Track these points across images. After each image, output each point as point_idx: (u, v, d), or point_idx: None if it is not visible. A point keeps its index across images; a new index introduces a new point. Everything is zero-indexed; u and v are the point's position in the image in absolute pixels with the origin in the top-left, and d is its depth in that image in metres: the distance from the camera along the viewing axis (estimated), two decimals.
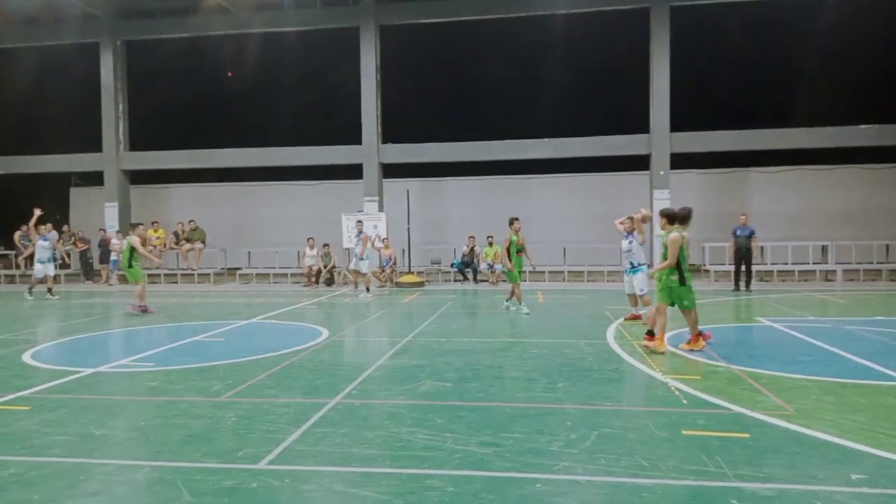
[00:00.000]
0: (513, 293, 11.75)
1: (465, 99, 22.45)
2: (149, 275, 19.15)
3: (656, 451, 4.33)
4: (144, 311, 12.03)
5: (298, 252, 19.01)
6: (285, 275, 19.19)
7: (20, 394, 6.12)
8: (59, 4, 18.87)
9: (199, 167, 21.33)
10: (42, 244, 15.24)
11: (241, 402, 5.74)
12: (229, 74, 24.98)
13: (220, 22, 19.88)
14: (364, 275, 15.29)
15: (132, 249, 12.18)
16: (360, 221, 16.61)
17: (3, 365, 7.61)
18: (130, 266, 12.17)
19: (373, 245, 17.46)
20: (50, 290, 15.25)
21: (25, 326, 10.90)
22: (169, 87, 22.24)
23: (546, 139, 19.42)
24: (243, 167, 21.21)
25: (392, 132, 20.08)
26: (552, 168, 20.88)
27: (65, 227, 20.97)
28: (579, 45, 19.99)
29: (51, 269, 15.56)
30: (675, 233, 7.60)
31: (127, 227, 20.15)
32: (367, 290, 15.03)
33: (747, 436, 4.60)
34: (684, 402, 5.53)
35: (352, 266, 16.01)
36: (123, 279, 18.62)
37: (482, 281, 18.31)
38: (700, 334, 7.77)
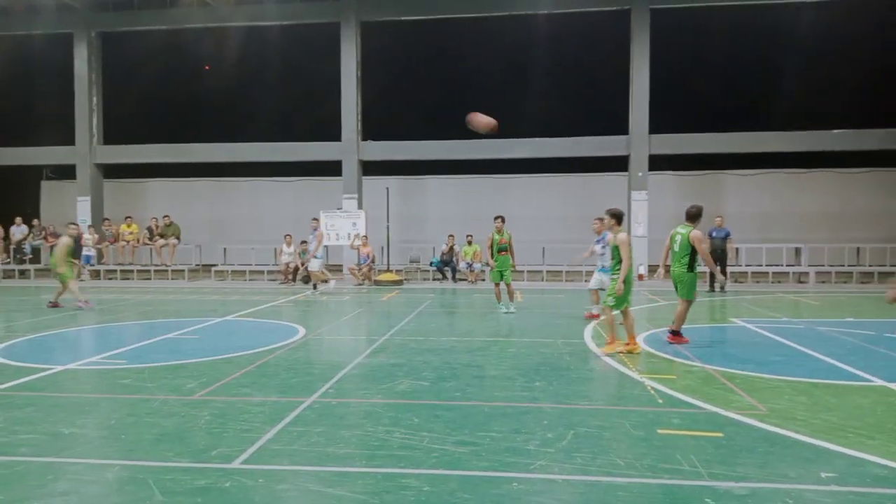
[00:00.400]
0: (510, 294, 11.63)
1: (447, 97, 22.38)
2: (122, 270, 18.88)
3: (632, 449, 4.36)
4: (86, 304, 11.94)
5: (275, 249, 18.84)
6: (262, 272, 18.99)
7: None
8: None
9: (176, 162, 21.02)
10: None
11: (215, 401, 5.65)
12: (206, 68, 24.63)
13: (198, 15, 19.60)
14: (315, 272, 15.44)
15: (67, 248, 12.09)
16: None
17: None
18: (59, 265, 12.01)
19: (351, 244, 17.41)
20: None
21: None
22: (146, 80, 21.83)
23: (527, 139, 19.49)
24: (222, 162, 20.96)
25: (372, 129, 20.00)
26: (533, 168, 20.98)
27: (35, 221, 20.51)
28: (561, 45, 20.09)
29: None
30: (624, 233, 7.79)
31: (100, 221, 19.82)
32: (315, 287, 15.21)
33: (721, 435, 4.66)
34: (660, 401, 5.58)
35: (310, 266, 16.04)
36: (93, 274, 18.30)
37: (461, 280, 18.32)
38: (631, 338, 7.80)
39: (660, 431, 4.74)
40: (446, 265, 18.54)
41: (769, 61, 20.47)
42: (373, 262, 18.03)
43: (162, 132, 20.88)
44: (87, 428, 5.01)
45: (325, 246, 16.97)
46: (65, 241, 12.43)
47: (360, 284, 17.24)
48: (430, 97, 22.19)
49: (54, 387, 6.28)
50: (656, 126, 18.66)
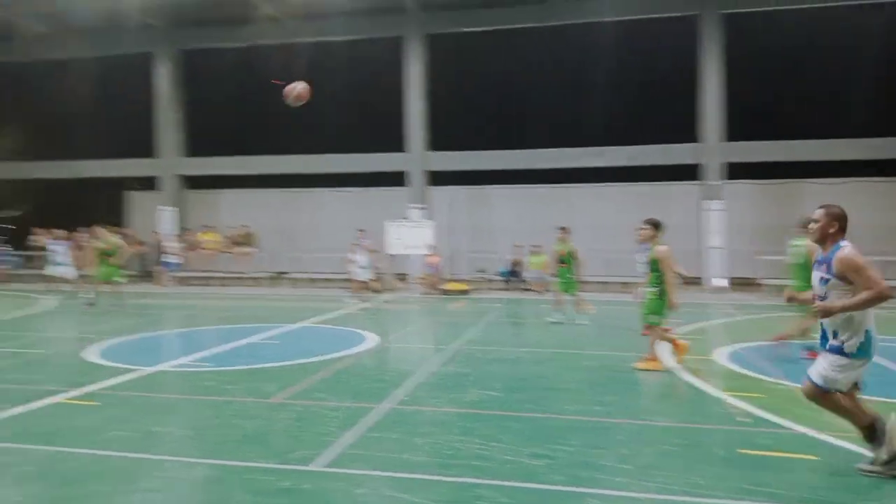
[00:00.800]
0: (576, 303, 11.49)
1: (512, 107, 22.41)
2: (204, 278, 19.78)
3: (714, 470, 4.22)
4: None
5: (344, 258, 19.20)
6: (332, 279, 19.46)
7: (86, 389, 6.37)
8: (118, 15, 19.59)
9: (248, 173, 21.91)
10: (56, 248, 15.92)
11: (293, 405, 5.84)
12: (275, 83, 25.55)
13: (269, 31, 20.42)
14: (363, 282, 14.98)
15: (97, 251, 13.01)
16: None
17: (69, 362, 7.96)
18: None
19: (426, 258, 17.44)
20: (75, 292, 15.40)
21: (87, 325, 11.35)
22: (221, 95, 22.92)
23: (594, 148, 19.24)
24: (292, 174, 21.67)
25: (438, 140, 20.24)
26: (600, 177, 20.63)
27: (125, 230, 21.77)
28: (628, 53, 19.73)
29: (70, 272, 15.96)
30: (664, 246, 7.23)
31: (183, 230, 20.86)
32: (365, 299, 14.87)
33: (815, 458, 4.43)
34: (743, 419, 5.36)
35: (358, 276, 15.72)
36: (177, 281, 19.26)
37: (528, 290, 18.20)
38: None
39: (743, 451, 4.57)
40: (514, 275, 18.47)
41: (843, 66, 19.36)
42: (439, 271, 18.17)
43: (237, 144, 21.82)
44: (176, 427, 5.28)
45: (376, 254, 17.06)
46: (96, 244, 13.21)
47: (427, 294, 17.40)
48: (495, 106, 22.25)
49: (146, 387, 6.65)
50: (729, 133, 18.02)
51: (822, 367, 4.01)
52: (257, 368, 7.45)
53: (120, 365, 7.58)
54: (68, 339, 9.52)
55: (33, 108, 23.71)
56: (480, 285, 19.13)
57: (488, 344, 9.25)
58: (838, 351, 3.95)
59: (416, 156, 19.87)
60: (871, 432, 4.00)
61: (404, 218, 19.21)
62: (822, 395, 4.05)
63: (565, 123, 21.20)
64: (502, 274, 18.73)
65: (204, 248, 20.29)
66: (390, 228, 18.58)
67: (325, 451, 4.55)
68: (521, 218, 20.62)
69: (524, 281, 18.28)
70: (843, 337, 3.93)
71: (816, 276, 4.10)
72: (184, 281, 19.58)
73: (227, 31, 20.69)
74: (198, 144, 21.99)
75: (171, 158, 21.45)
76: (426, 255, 17.94)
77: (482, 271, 19.58)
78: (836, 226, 4.03)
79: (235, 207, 21.88)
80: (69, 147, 22.73)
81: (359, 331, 10.41)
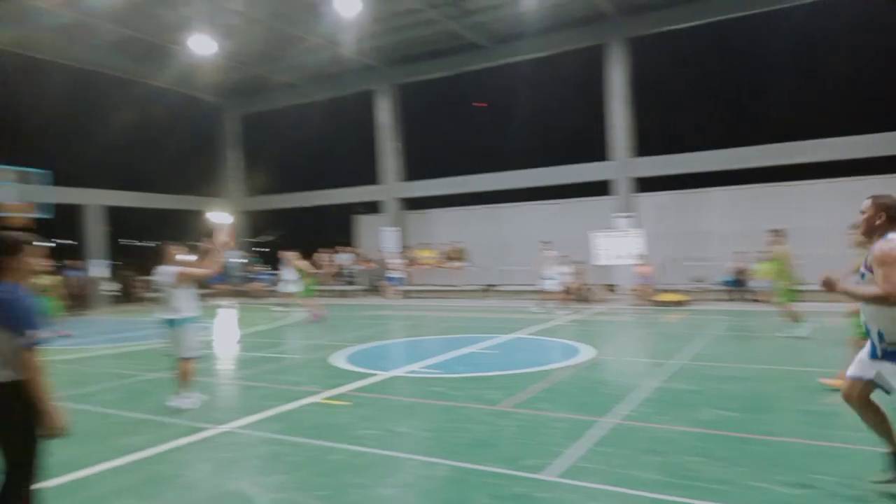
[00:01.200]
0: (791, 314, 10.32)
1: (721, 102, 20.78)
2: (423, 291, 21.30)
3: None
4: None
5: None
6: (539, 292, 19.64)
7: (338, 391, 7.26)
8: (344, 61, 22.06)
9: (459, 192, 23.13)
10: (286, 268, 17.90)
11: (518, 413, 6.04)
12: (479, 105, 26.79)
13: (472, 59, 21.43)
14: (554, 293, 15.51)
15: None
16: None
17: (319, 366, 9.12)
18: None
19: (636, 268, 17.00)
20: (285, 305, 17.33)
21: (331, 334, 12.88)
22: (434, 121, 24.66)
23: (821, 140, 17.00)
24: (498, 190, 22.41)
25: (642, 144, 19.48)
26: (828, 172, 18.04)
27: (354, 250, 24.36)
28: (859, 32, 17.12)
29: (291, 287, 17.30)
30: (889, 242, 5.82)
31: (403, 249, 22.71)
32: (549, 309, 15.25)
33: None
34: None
35: (547, 287, 15.98)
36: (401, 294, 20.97)
37: (756, 301, 16.54)
38: None
39: None
40: (739, 284, 16.95)
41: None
42: (651, 281, 17.36)
43: (448, 166, 23.23)
44: (415, 428, 5.78)
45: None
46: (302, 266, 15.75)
47: (639, 305, 16.74)
48: (703, 104, 20.82)
49: (386, 390, 7.38)
50: None
51: (880, 374, 3.74)
52: (480, 376, 7.83)
53: (362, 370, 8.49)
54: (316, 347, 10.89)
55: (279, 149, 27.78)
56: (699, 296, 17.84)
57: (718, 359, 8.61)
58: (888, 356, 3.70)
59: (621, 163, 19.31)
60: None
61: (610, 227, 18.73)
62: (863, 400, 3.89)
63: (784, 114, 19.09)
64: (725, 283, 17.29)
65: (421, 264, 21.84)
66: (596, 239, 18.25)
67: (556, 462, 4.63)
68: (739, 221, 18.84)
69: (751, 291, 16.65)
70: (890, 336, 3.66)
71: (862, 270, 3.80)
72: (406, 294, 21.25)
73: (435, 64, 22.17)
74: (414, 168, 23.84)
75: (391, 184, 23.52)
76: (636, 264, 17.26)
77: (699, 280, 18.25)
78: (883, 217, 3.76)
79: (448, 225, 23.22)
80: (307, 180, 26.16)
81: (573, 343, 10.38)
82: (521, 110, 23.49)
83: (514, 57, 21.04)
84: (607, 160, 19.71)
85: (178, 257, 6.86)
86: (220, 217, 26.57)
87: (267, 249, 30.89)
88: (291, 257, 16.05)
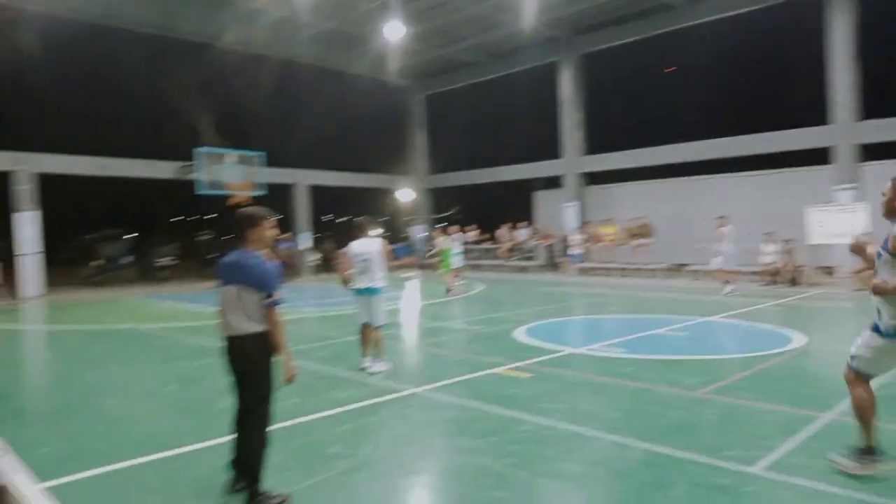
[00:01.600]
0: None
1: None
2: (605, 269, 20.67)
3: None
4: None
5: (755, 248, 17.53)
6: (739, 272, 17.98)
7: (520, 364, 7.29)
8: (523, 35, 21.73)
9: (645, 165, 21.89)
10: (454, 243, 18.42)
11: (718, 400, 5.58)
12: (668, 70, 24.99)
13: (661, 19, 19.96)
14: (727, 271, 14.43)
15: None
16: (721, 217, 14.77)
17: (500, 338, 9.24)
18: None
19: (854, 246, 14.82)
20: (464, 278, 17.96)
21: (505, 308, 13.01)
22: (618, 91, 23.54)
23: None
24: (690, 161, 20.81)
25: (868, 108, 16.77)
26: None
27: (533, 225, 24.32)
28: None
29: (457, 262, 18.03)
30: None
31: (584, 224, 22.17)
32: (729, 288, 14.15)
33: None
34: None
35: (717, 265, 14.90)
36: (580, 271, 20.56)
37: None
38: None
39: None
40: None
41: None
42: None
43: (632, 137, 22.09)
44: (602, 407, 5.60)
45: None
46: (440, 242, 16.57)
47: (860, 290, 14.59)
48: None
49: (569, 366, 7.26)
50: None
51: (856, 343, 3.96)
52: (671, 359, 7.38)
53: (544, 344, 8.44)
54: (496, 320, 11.06)
55: (459, 127, 28.52)
56: None
57: None
58: (874, 328, 3.86)
59: (843, 127, 16.83)
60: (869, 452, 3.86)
61: (829, 202, 16.49)
62: (853, 379, 3.94)
63: None
64: None
65: (604, 241, 21.14)
66: (811, 214, 16.20)
67: (765, 455, 4.20)
68: None
69: None
70: (885, 316, 3.78)
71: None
72: (586, 271, 20.76)
73: (622, 29, 21.06)
74: (596, 141, 23.05)
75: (573, 158, 22.98)
76: (863, 243, 15.02)
77: None
78: None
79: (632, 200, 22.11)
80: (487, 156, 26.58)
81: (779, 329, 9.34)
82: (716, 73, 21.52)
83: (711, 15, 19.25)
84: (826, 124, 17.31)
85: (371, 232, 7.34)
86: (406, 195, 28.21)
87: (446, 224, 32.15)
88: (437, 234, 16.80)
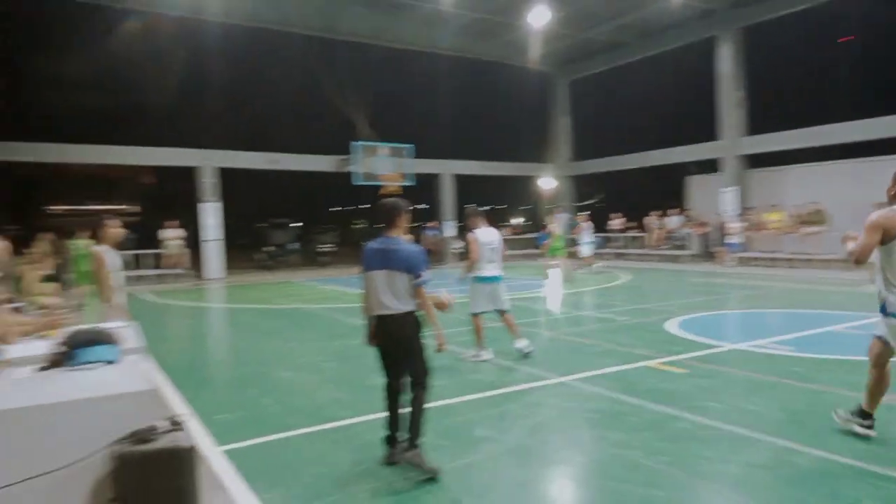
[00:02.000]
0: None
1: None
2: (769, 259, 18.98)
3: None
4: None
5: None
6: None
7: (673, 358, 6.93)
8: (675, 10, 20.33)
9: (817, 145, 19.71)
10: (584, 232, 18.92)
11: None
12: (844, 39, 22.23)
13: None
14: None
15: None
16: (879, 203, 12.25)
17: (651, 329, 8.84)
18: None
19: None
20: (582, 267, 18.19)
21: (653, 300, 12.38)
22: (783, 65, 21.34)
23: None
24: (874, 139, 18.38)
25: None
26: None
27: (685, 212, 22.90)
28: None
29: (587, 250, 18.80)
30: None
31: (744, 211, 20.50)
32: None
33: None
34: None
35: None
36: (739, 261, 19.05)
37: None
38: None
39: None
40: None
41: None
42: None
43: (801, 115, 19.96)
44: (767, 408, 5.15)
45: None
46: (551, 228, 16.45)
47: None
48: None
49: (729, 362, 6.77)
50: None
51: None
52: (850, 360, 6.60)
53: (700, 339, 7.95)
54: (645, 311, 10.57)
55: (604, 112, 27.51)
56: None
57: None
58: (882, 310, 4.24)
59: None
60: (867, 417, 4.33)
61: None
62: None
63: None
64: None
65: (768, 228, 19.38)
66: None
67: None
68: None
69: None
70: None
71: None
72: (746, 261, 19.20)
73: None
74: (759, 121, 21.14)
75: (732, 139, 21.26)
76: None
77: None
78: (893, 189, 4.15)
79: (803, 183, 20.03)
80: (633, 141, 25.41)
81: None
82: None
83: None
84: None
85: (482, 222, 7.33)
86: (548, 182, 27.82)
87: (589, 213, 31.30)
88: (549, 219, 17.23)
